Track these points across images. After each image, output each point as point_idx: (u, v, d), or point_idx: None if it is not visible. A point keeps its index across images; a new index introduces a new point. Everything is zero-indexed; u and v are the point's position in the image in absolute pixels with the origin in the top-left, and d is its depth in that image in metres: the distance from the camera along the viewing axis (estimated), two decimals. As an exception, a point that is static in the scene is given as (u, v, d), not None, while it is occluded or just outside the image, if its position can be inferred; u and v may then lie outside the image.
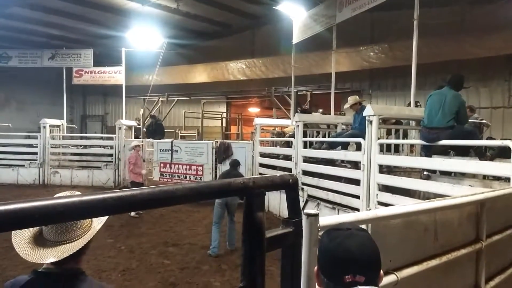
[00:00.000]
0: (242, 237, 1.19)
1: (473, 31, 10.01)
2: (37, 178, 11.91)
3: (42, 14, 13.31)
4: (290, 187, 1.32)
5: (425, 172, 5.00)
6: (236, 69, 15.16)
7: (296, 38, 9.61)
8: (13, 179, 11.89)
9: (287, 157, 7.94)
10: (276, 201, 7.76)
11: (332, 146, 6.98)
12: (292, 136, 7.93)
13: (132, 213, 7.63)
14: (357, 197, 5.63)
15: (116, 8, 13.16)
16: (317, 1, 9.39)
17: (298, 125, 7.36)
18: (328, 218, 1.45)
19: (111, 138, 12.09)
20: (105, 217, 1.36)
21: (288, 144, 8.18)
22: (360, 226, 1.28)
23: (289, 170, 7.46)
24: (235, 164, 6.42)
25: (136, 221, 7.56)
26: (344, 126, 8.05)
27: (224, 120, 16.90)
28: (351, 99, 6.92)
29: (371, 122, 5.19)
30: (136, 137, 12.57)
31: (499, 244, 2.60)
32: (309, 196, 7.08)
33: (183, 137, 15.09)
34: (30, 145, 12.43)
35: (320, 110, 10.18)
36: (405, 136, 6.62)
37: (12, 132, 12.92)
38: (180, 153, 10.15)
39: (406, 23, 6.27)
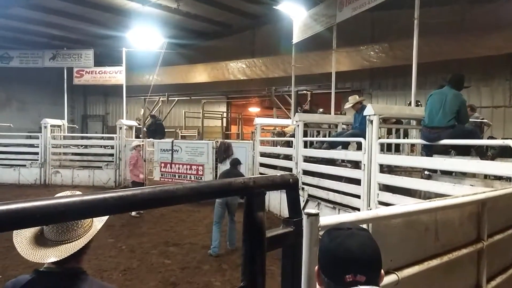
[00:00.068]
0: (242, 236, 1.19)
1: (473, 30, 9.99)
2: (38, 178, 11.93)
3: (43, 15, 13.32)
4: (290, 186, 1.32)
5: (426, 172, 4.99)
6: (237, 69, 15.17)
7: (296, 38, 9.60)
8: (14, 179, 11.91)
9: (288, 157, 7.94)
10: (276, 201, 7.76)
11: (332, 145, 6.98)
12: (293, 135, 7.93)
13: (133, 213, 7.64)
14: (358, 196, 5.63)
15: (117, 8, 13.17)
16: (317, 0, 9.38)
17: (298, 125, 7.35)
18: (329, 218, 1.45)
19: (112, 138, 12.12)
20: (106, 217, 1.36)
21: (289, 144, 8.17)
22: (360, 225, 1.28)
23: (290, 169, 7.46)
24: (235, 163, 6.41)
25: (137, 221, 7.57)
26: (344, 126, 8.05)
27: (224, 120, 16.91)
28: (352, 99, 6.92)
29: (371, 121, 5.19)
30: (137, 137, 12.58)
31: (500, 243, 2.59)
32: (309, 195, 7.08)
33: (183, 137, 15.10)
34: (31, 145, 12.44)
35: (321, 110, 10.18)
36: (406, 135, 6.62)
37: (13, 132, 12.94)
38: (181, 153, 10.16)
39: (407, 22, 6.26)
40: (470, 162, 4.31)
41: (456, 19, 10.31)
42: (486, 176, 4.69)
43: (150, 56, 14.41)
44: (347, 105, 7.05)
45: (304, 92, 13.49)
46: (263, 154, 9.30)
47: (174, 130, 15.92)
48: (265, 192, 1.21)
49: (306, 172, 7.21)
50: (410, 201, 4.41)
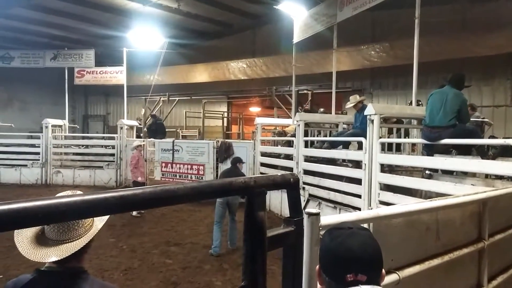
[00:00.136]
0: (243, 236, 1.19)
1: (474, 29, 9.98)
2: (39, 178, 11.95)
3: (44, 15, 13.34)
4: (291, 186, 1.32)
5: (427, 171, 4.99)
6: (237, 69, 15.17)
7: (297, 37, 9.60)
8: (15, 179, 11.93)
9: (288, 157, 7.94)
10: (277, 201, 7.76)
11: (333, 145, 6.97)
12: (293, 135, 7.93)
13: (134, 213, 7.65)
14: (359, 196, 5.63)
15: (117, 8, 13.18)
16: (318, 0, 9.38)
17: (299, 125, 7.35)
18: (330, 217, 1.45)
19: (112, 138, 12.14)
20: (107, 216, 1.36)
21: (289, 144, 8.17)
22: (361, 225, 1.28)
23: (290, 169, 7.46)
24: (236, 161, 6.39)
25: (137, 221, 7.58)
26: (345, 125, 8.04)
27: (225, 119, 16.91)
28: (353, 98, 6.91)
29: (372, 121, 5.19)
30: (138, 136, 12.59)
31: (501, 243, 2.59)
32: (310, 195, 7.08)
33: (184, 137, 15.11)
34: (33, 145, 12.46)
35: (322, 110, 10.17)
36: (407, 135, 6.61)
37: (14, 132, 12.96)
38: (182, 152, 10.17)
39: (407, 22, 6.26)
40: (471, 162, 4.30)
41: (457, 18, 10.30)
42: (487, 176, 4.68)
43: (151, 56, 14.42)
44: (348, 105, 7.04)
45: (305, 91, 13.48)
46: (264, 154, 9.30)
47: (175, 130, 15.93)
48: (266, 192, 1.21)
49: (307, 172, 7.21)
50: (411, 201, 4.40)
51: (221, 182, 1.32)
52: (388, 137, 7.29)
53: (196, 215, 8.07)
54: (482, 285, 2.41)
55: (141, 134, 13.23)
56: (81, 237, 1.33)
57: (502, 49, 9.48)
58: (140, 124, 13.62)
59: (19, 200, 0.75)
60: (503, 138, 6.72)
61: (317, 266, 1.11)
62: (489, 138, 6.88)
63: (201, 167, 9.90)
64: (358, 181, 5.64)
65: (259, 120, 9.84)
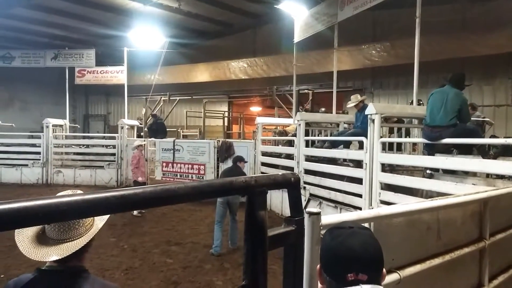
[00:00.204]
0: (244, 235, 1.19)
1: (475, 29, 9.96)
2: (40, 178, 11.96)
3: (45, 15, 13.36)
4: (292, 185, 1.32)
5: (427, 171, 4.98)
6: (238, 68, 15.16)
7: (297, 37, 9.59)
8: (16, 178, 11.95)
9: (289, 156, 7.94)
10: (278, 200, 7.76)
11: (334, 144, 6.97)
12: (294, 135, 7.93)
13: (135, 212, 7.66)
14: (360, 195, 5.62)
15: (118, 8, 13.18)
16: (319, -1, 9.38)
17: (300, 124, 7.35)
18: (330, 217, 1.45)
19: (113, 138, 12.15)
20: (107, 215, 1.36)
21: (290, 143, 8.17)
22: (362, 224, 1.28)
23: (291, 169, 7.46)
24: (237, 160, 6.36)
25: (138, 220, 7.58)
26: (346, 125, 8.04)
27: (226, 119, 16.91)
28: (354, 98, 6.91)
29: (373, 120, 5.18)
30: (139, 136, 12.60)
31: (502, 242, 2.58)
32: (311, 195, 7.07)
33: (185, 136, 15.11)
34: (33, 145, 12.48)
35: (323, 109, 10.16)
36: (408, 134, 6.60)
37: (15, 132, 12.97)
38: (182, 152, 10.17)
39: (408, 21, 6.26)
40: (472, 161, 4.29)
41: (458, 18, 10.28)
42: (488, 175, 4.68)
43: (152, 55, 14.43)
44: (349, 104, 7.04)
45: (306, 91, 13.47)
46: (264, 154, 9.30)
47: (175, 129, 15.94)
48: (266, 191, 1.21)
49: (307, 171, 7.21)
50: (412, 200, 4.40)
51: (221, 181, 1.32)
52: (389, 137, 7.28)
53: (196, 214, 8.07)
54: (483, 284, 2.40)
55: (142, 134, 13.24)
56: (82, 236, 1.34)
57: (502, 49, 9.46)
58: (141, 124, 13.63)
59: (20, 199, 0.75)
60: (504, 137, 6.72)
61: (318, 266, 1.11)
62: (490, 137, 6.88)
63: (202, 167, 9.90)
64: (359, 181, 5.64)
65: (260, 120, 9.84)
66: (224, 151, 9.58)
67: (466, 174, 4.81)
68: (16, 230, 1.29)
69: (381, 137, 5.43)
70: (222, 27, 15.68)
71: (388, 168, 5.51)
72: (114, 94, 18.19)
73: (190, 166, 10.06)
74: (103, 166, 11.73)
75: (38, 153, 12.06)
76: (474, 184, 4.29)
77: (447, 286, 2.18)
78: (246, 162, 6.56)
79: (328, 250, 1.07)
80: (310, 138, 7.81)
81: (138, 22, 12.71)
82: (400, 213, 1.79)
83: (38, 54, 15.08)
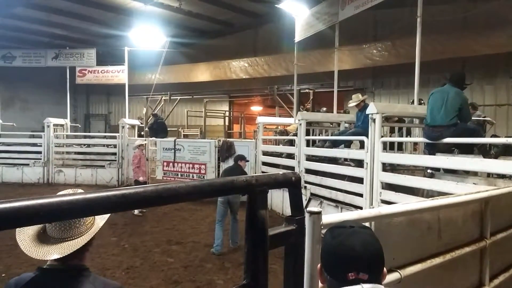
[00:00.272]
0: (245, 235, 1.19)
1: (476, 28, 9.94)
2: (41, 177, 11.98)
3: (46, 14, 13.37)
4: (293, 185, 1.32)
5: (428, 170, 4.98)
6: (239, 68, 15.16)
7: (298, 36, 9.58)
8: (17, 178, 11.97)
9: (290, 156, 7.93)
10: (279, 199, 7.76)
11: (335, 144, 6.97)
12: (295, 134, 7.92)
13: (136, 211, 7.66)
14: (360, 195, 5.62)
15: (119, 8, 13.20)
16: (320, -1, 9.36)
17: (301, 124, 7.35)
18: (331, 216, 1.45)
19: (114, 137, 12.16)
20: (108, 214, 1.37)
21: (291, 143, 8.17)
22: (363, 224, 1.28)
23: (292, 168, 7.45)
24: (238, 159, 6.33)
25: (139, 220, 7.59)
26: (347, 124, 8.04)
27: (226, 118, 16.92)
28: (355, 97, 6.90)
29: (374, 120, 5.18)
30: (140, 136, 12.61)
31: (503, 242, 2.58)
32: (312, 194, 7.07)
33: (186, 136, 15.11)
34: (35, 144, 12.49)
35: (324, 109, 10.16)
36: (409, 134, 6.59)
37: (16, 132, 13.00)
38: (183, 151, 10.18)
39: (409, 21, 6.25)
40: (473, 161, 4.29)
41: (459, 17, 10.25)
42: (489, 175, 4.67)
43: (152, 55, 14.43)
44: (351, 104, 7.03)
45: (307, 90, 13.46)
46: (265, 153, 9.30)
47: (176, 129, 15.95)
48: (267, 190, 1.21)
49: (308, 171, 7.21)
50: (412, 200, 4.39)
51: (222, 180, 1.32)
52: (390, 136, 7.27)
53: (197, 214, 8.08)
54: (484, 283, 2.40)
55: (143, 133, 13.25)
56: (83, 235, 1.34)
57: (504, 48, 9.45)
58: (141, 123, 13.64)
59: (21, 198, 0.75)
60: (505, 137, 6.71)
61: (319, 265, 1.11)
62: (491, 137, 6.86)
63: (203, 166, 9.91)
64: (360, 180, 5.63)
65: (260, 119, 9.84)
66: (225, 151, 9.58)
67: (467, 173, 4.80)
68: (17, 229, 1.30)
69: (382, 136, 5.43)
70: (223, 26, 15.68)
71: (389, 167, 5.50)
72: (115, 93, 18.20)
73: (191, 165, 10.06)
74: (104, 166, 11.75)
75: (39, 152, 12.07)
76: (475, 184, 4.29)
77: (447, 286, 2.18)
78: (247, 161, 6.54)
79: (329, 249, 1.07)
80: (311, 137, 7.81)
81: (139, 22, 12.70)
82: (401, 212, 1.79)
83: (39, 54, 15.10)
